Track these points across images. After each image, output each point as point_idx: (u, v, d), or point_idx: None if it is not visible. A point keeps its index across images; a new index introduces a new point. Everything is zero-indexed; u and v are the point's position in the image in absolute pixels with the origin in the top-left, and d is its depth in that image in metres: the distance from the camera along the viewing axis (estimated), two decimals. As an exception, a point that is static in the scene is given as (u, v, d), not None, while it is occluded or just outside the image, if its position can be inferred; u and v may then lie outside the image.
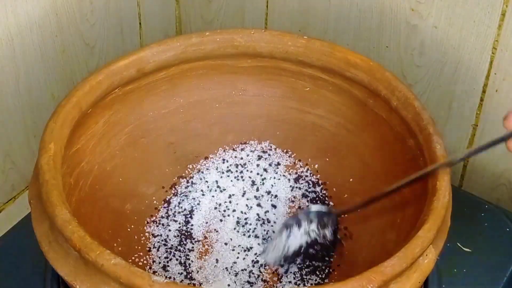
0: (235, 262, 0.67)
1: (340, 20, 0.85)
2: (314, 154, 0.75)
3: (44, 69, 0.83)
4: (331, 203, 0.72)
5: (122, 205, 0.70)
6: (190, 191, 0.73)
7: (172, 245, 0.69)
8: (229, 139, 0.76)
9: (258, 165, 0.75)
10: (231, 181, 0.74)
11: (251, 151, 0.76)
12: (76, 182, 0.65)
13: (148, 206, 0.72)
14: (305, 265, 0.67)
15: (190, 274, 0.66)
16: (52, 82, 0.85)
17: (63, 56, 0.85)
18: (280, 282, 0.66)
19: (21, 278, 0.67)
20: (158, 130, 0.74)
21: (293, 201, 0.73)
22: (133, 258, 0.67)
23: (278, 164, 0.75)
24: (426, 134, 0.62)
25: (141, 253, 0.68)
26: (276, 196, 0.73)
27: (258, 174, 0.74)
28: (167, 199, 0.73)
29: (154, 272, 0.66)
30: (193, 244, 0.69)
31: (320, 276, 0.67)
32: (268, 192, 0.73)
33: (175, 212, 0.72)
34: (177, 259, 0.68)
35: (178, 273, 0.67)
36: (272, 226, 0.71)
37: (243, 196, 0.73)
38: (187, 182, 0.74)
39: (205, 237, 0.70)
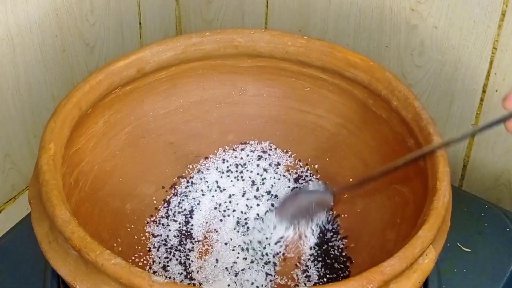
0: (235, 262, 0.67)
1: (340, 20, 0.85)
2: (314, 154, 0.75)
3: (44, 69, 0.83)
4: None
5: (122, 205, 0.70)
6: (190, 191, 0.73)
7: (172, 245, 0.69)
8: (229, 139, 0.76)
9: (258, 165, 0.75)
10: (231, 181, 0.74)
11: (251, 151, 0.76)
12: (76, 182, 0.65)
13: (148, 206, 0.72)
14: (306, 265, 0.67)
15: (190, 274, 0.66)
16: (52, 82, 0.85)
17: (63, 56, 0.85)
18: (279, 283, 0.66)
19: (21, 278, 0.67)
20: (158, 130, 0.74)
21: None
22: (133, 258, 0.67)
23: (278, 164, 0.75)
24: (426, 134, 0.62)
25: (141, 253, 0.68)
26: (276, 196, 0.73)
27: (258, 174, 0.74)
28: (167, 199, 0.73)
29: (154, 272, 0.66)
30: (193, 244, 0.69)
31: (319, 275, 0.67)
32: (268, 192, 0.73)
33: (175, 212, 0.72)
34: (177, 259, 0.68)
35: (178, 273, 0.67)
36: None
37: (243, 196, 0.73)
38: (187, 182, 0.74)
39: (205, 237, 0.70)
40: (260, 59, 0.73)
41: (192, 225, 0.71)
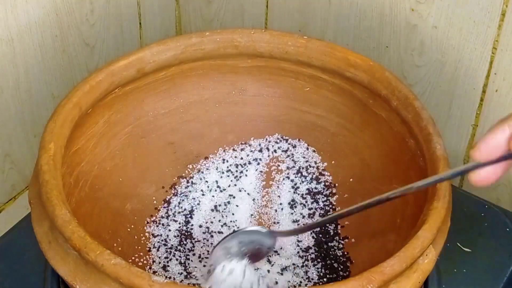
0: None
1: (340, 20, 0.85)
2: (314, 154, 0.75)
3: (44, 69, 0.83)
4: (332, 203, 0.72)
5: (122, 205, 0.70)
6: (190, 191, 0.73)
7: (172, 245, 0.69)
8: (229, 139, 0.76)
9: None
10: (231, 181, 0.74)
11: (251, 151, 0.76)
12: (76, 182, 0.65)
13: (148, 206, 0.72)
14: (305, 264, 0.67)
15: (190, 274, 0.66)
16: (52, 82, 0.85)
17: (63, 56, 0.85)
18: (277, 283, 0.65)
19: (21, 278, 0.67)
20: (158, 130, 0.74)
21: (294, 201, 0.72)
22: (133, 258, 0.67)
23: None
24: (426, 134, 0.62)
25: (141, 253, 0.68)
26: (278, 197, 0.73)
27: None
28: (167, 199, 0.73)
29: (154, 272, 0.66)
30: (193, 244, 0.69)
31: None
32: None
33: (175, 212, 0.71)
34: (177, 259, 0.68)
35: (178, 273, 0.67)
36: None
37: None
38: (187, 182, 0.74)
39: (205, 237, 0.70)
40: (260, 59, 0.73)
41: (192, 225, 0.71)
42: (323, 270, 0.67)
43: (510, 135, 0.48)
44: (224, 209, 0.72)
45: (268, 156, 0.75)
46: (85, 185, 0.66)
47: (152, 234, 0.70)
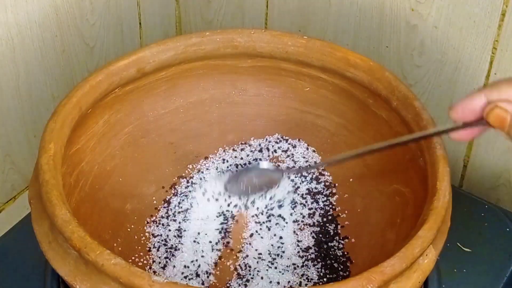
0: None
1: (340, 20, 0.85)
2: (314, 154, 0.75)
3: (44, 69, 0.83)
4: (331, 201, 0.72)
5: (122, 205, 0.70)
6: (190, 191, 0.73)
7: (172, 245, 0.69)
8: (229, 139, 0.76)
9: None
10: (231, 181, 0.74)
11: (251, 151, 0.76)
12: (76, 182, 0.65)
13: (148, 206, 0.72)
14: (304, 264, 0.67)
15: (190, 274, 0.66)
16: (52, 82, 0.85)
17: (63, 56, 0.85)
18: (279, 284, 0.65)
19: (21, 278, 0.67)
20: (158, 130, 0.74)
21: (294, 201, 0.72)
22: (133, 258, 0.67)
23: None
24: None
25: (141, 253, 0.68)
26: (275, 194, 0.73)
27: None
28: (167, 199, 0.73)
29: (154, 272, 0.66)
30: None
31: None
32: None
33: (175, 212, 0.71)
34: (177, 259, 0.68)
35: (180, 272, 0.66)
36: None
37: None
38: (187, 182, 0.74)
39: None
40: (260, 59, 0.73)
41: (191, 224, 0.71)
42: (323, 270, 0.67)
43: (485, 103, 0.53)
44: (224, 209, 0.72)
45: (268, 156, 0.75)
46: (85, 185, 0.66)
47: (152, 234, 0.70)
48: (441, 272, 0.68)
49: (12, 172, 0.85)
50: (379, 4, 0.81)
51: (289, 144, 0.76)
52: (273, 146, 0.76)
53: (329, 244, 0.69)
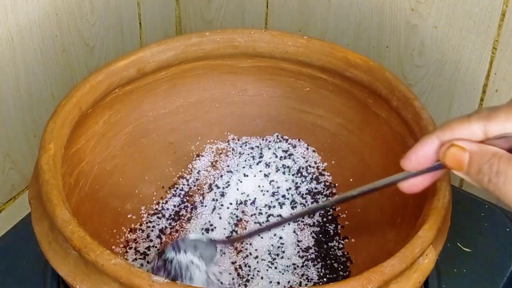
0: (235, 262, 0.67)
1: (340, 20, 0.85)
2: (314, 154, 0.75)
3: (44, 69, 0.83)
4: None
5: (122, 205, 0.70)
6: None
7: (172, 245, 0.69)
8: (229, 139, 0.76)
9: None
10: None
11: (251, 150, 0.76)
12: (76, 182, 0.65)
13: (148, 206, 0.72)
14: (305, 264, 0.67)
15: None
16: (52, 82, 0.85)
17: (63, 56, 0.85)
18: (279, 284, 0.65)
19: (21, 278, 0.67)
20: (158, 130, 0.74)
21: (294, 201, 0.72)
22: (133, 258, 0.67)
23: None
24: (426, 134, 0.62)
25: (141, 253, 0.68)
26: (274, 194, 0.73)
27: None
28: (167, 199, 0.73)
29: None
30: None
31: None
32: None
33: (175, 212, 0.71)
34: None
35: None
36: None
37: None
38: (187, 182, 0.74)
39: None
40: (260, 59, 0.73)
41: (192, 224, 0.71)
42: (323, 270, 0.67)
43: (438, 145, 0.49)
44: (223, 209, 0.72)
45: (269, 157, 0.75)
46: (85, 185, 0.66)
47: (152, 234, 0.70)
48: (441, 272, 0.68)
49: (12, 172, 0.85)
50: (379, 4, 0.81)
51: (289, 144, 0.76)
52: (273, 146, 0.76)
53: (329, 244, 0.69)
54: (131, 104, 0.71)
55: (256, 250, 0.68)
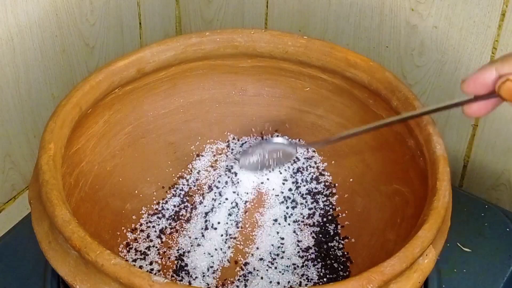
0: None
1: (340, 20, 0.85)
2: (315, 154, 0.75)
3: (44, 69, 0.83)
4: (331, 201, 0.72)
5: (122, 205, 0.70)
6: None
7: (172, 245, 0.69)
8: (229, 139, 0.76)
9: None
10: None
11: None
12: (76, 182, 0.65)
13: (148, 206, 0.72)
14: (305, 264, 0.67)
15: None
16: (52, 82, 0.85)
17: (63, 56, 0.85)
18: (279, 284, 0.66)
19: (21, 278, 0.67)
20: (158, 130, 0.74)
21: (294, 201, 0.72)
22: (133, 258, 0.67)
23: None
24: (426, 134, 0.62)
25: (141, 253, 0.68)
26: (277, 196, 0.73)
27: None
28: (167, 199, 0.73)
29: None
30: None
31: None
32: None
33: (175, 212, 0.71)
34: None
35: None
36: (272, 226, 0.71)
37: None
38: (187, 182, 0.74)
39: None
40: (260, 59, 0.73)
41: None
42: (323, 270, 0.67)
43: (496, 77, 0.53)
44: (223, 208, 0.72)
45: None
46: (85, 185, 0.66)
47: (152, 234, 0.70)
48: (441, 272, 0.68)
49: (12, 172, 0.85)
50: (379, 4, 0.81)
51: (289, 144, 0.76)
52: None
53: (329, 244, 0.69)
54: (131, 104, 0.71)
55: (256, 249, 0.68)
